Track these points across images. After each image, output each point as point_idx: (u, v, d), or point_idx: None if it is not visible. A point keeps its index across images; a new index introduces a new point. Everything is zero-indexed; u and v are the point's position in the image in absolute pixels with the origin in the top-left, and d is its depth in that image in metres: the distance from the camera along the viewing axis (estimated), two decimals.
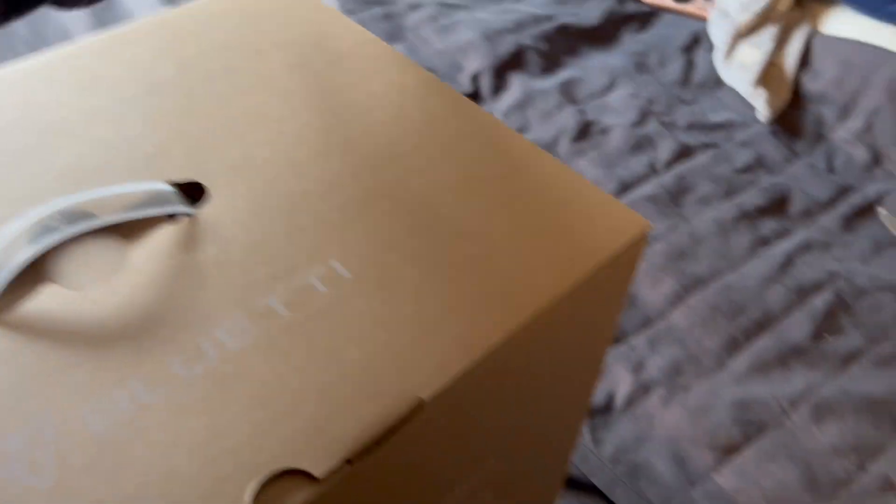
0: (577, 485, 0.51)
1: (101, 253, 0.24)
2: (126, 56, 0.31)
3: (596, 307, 0.29)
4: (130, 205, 0.24)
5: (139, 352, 0.21)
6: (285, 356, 0.21)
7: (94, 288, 0.23)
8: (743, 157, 0.68)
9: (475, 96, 0.74)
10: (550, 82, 0.74)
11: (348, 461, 0.19)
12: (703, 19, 0.83)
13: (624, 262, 0.27)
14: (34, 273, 0.23)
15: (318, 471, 0.19)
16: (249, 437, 0.20)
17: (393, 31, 0.79)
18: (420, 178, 0.28)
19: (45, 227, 0.23)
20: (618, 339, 0.57)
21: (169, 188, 0.25)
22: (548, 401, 0.31)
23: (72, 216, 0.23)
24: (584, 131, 0.70)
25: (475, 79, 0.74)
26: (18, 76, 0.30)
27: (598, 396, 0.53)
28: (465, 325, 0.22)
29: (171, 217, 0.25)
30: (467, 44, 0.76)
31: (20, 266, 0.22)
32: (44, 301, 0.22)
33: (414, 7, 0.81)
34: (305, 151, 0.28)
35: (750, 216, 0.63)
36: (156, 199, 0.25)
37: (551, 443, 0.36)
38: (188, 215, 0.25)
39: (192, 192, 0.26)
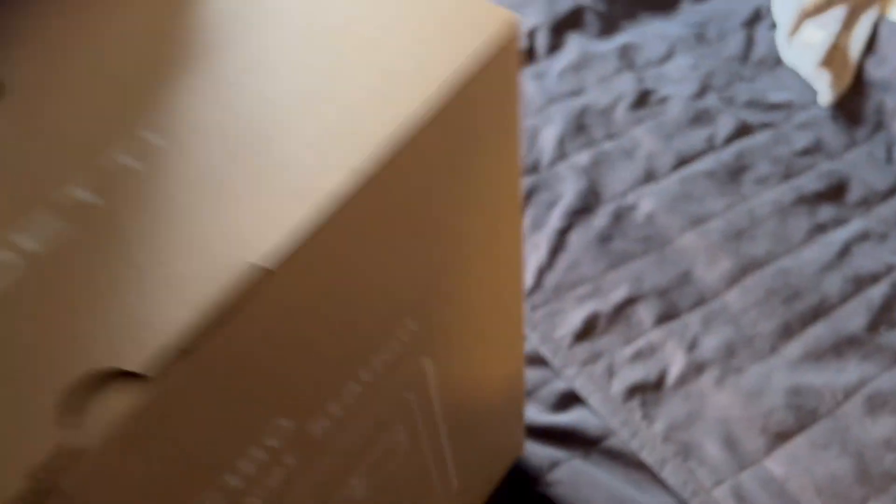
0: (627, 460, 0.49)
1: None
2: None
3: (472, 134, 0.23)
4: None
5: None
6: (103, 252, 0.18)
7: None
8: (802, 139, 0.66)
9: (530, 53, 0.71)
10: (608, 45, 0.72)
11: (185, 351, 0.16)
12: None
13: (494, 70, 0.21)
14: None
15: (147, 370, 0.16)
16: (67, 340, 0.16)
17: None
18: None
19: None
20: (671, 315, 0.55)
21: None
22: (452, 250, 0.26)
23: None
24: (643, 99, 0.67)
25: (531, 35, 0.71)
26: None
27: (650, 372, 0.52)
28: (306, 175, 0.18)
29: None
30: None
31: None
32: None
33: None
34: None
35: (808, 201, 0.62)
36: None
37: (487, 321, 0.31)
38: None
39: None
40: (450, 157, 0.22)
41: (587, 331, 0.54)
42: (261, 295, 0.17)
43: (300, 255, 0.18)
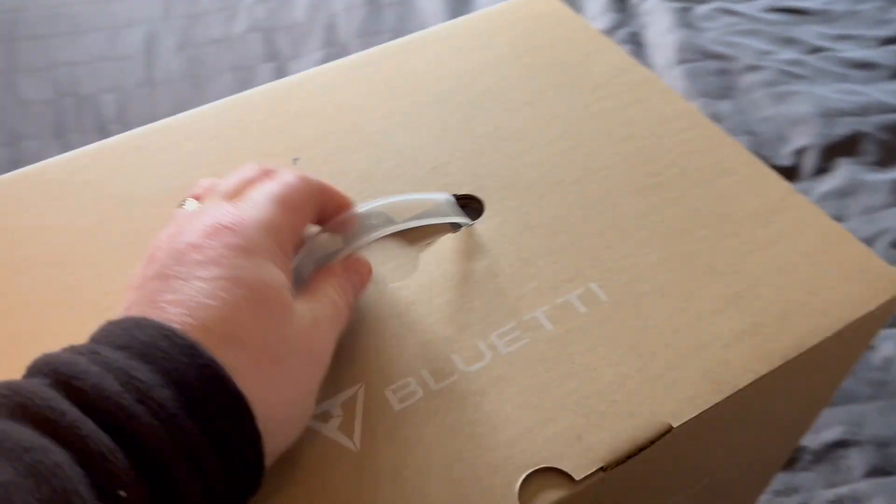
0: None
1: (399, 254, 0.28)
2: (413, 66, 0.35)
3: (835, 360, 0.29)
4: (421, 213, 0.28)
5: (427, 346, 0.25)
6: (548, 365, 0.24)
7: (392, 284, 0.27)
8: None
9: (793, 171, 0.72)
10: (882, 177, 0.70)
11: (602, 469, 0.22)
12: None
13: (875, 319, 0.27)
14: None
15: (576, 473, 0.22)
16: (518, 434, 0.23)
17: (724, 88, 0.78)
18: (675, 209, 0.29)
19: (362, 227, 0.26)
20: (887, 470, 0.54)
21: (452, 199, 0.29)
22: (766, 436, 0.32)
23: (378, 218, 0.27)
24: None
25: (799, 153, 0.72)
26: (319, 79, 0.35)
27: None
28: (714, 363, 0.24)
29: (452, 226, 0.29)
30: (800, 117, 0.74)
31: (339, 256, 0.25)
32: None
33: (753, 68, 0.80)
34: (568, 175, 0.30)
35: None
36: (441, 209, 0.29)
37: (759, 468, 0.36)
38: (467, 226, 0.29)
39: (471, 204, 0.30)
40: (807, 372, 0.28)
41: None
42: (658, 443, 0.23)
43: (689, 425, 0.23)
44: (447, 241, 0.29)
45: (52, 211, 0.30)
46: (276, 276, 0.21)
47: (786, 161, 0.72)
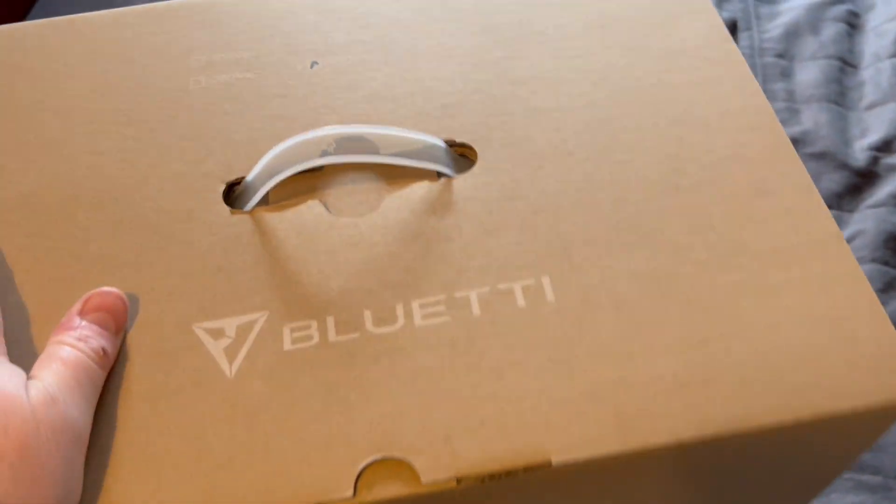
0: None
1: (366, 188, 0.26)
2: None
3: (809, 453, 0.24)
4: (407, 151, 0.25)
5: (345, 293, 0.23)
6: (455, 352, 0.22)
7: (347, 218, 0.25)
8: None
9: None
10: None
11: (457, 480, 0.20)
12: None
13: (875, 420, 0.22)
14: (308, 179, 0.26)
15: (425, 475, 0.20)
16: (389, 414, 0.21)
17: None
18: (686, 220, 0.24)
19: (336, 145, 0.25)
20: None
21: (443, 147, 0.26)
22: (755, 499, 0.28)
23: (362, 144, 0.25)
24: None
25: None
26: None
27: None
28: (634, 409, 0.21)
29: (438, 174, 0.26)
30: None
31: (296, 170, 0.24)
32: (303, 211, 0.25)
33: None
34: (583, 149, 0.26)
35: None
36: (429, 152, 0.26)
37: None
38: (447, 178, 0.26)
39: (465, 153, 0.27)
40: (762, 455, 0.23)
41: None
42: (532, 473, 0.20)
43: (574, 467, 0.20)
44: (419, 189, 0.26)
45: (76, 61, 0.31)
46: None
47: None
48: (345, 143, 0.25)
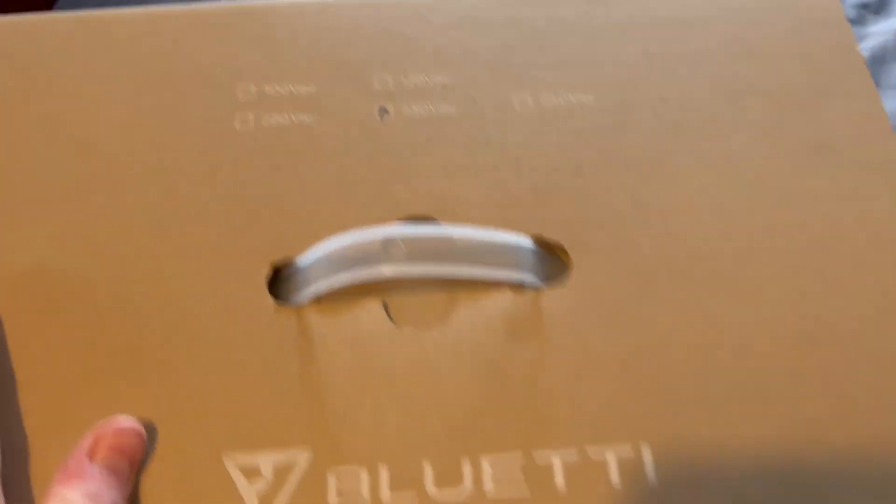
0: None
1: (432, 301, 0.22)
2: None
3: None
4: (487, 251, 0.22)
5: (402, 435, 0.20)
6: None
7: (411, 329, 0.21)
8: None
9: None
10: None
11: None
12: None
13: None
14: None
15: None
16: None
17: None
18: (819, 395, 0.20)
19: (405, 246, 0.21)
20: None
21: (531, 248, 0.22)
22: None
23: (431, 242, 0.21)
24: None
25: None
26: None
27: None
28: None
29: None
30: None
31: (357, 280, 0.21)
32: (360, 315, 0.22)
33: None
34: (692, 279, 0.22)
35: None
36: (514, 256, 0.22)
37: None
38: (534, 288, 0.22)
39: (554, 251, 0.23)
40: None
41: None
42: None
43: None
44: (499, 300, 0.22)
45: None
46: None
47: None
48: (416, 244, 0.21)
